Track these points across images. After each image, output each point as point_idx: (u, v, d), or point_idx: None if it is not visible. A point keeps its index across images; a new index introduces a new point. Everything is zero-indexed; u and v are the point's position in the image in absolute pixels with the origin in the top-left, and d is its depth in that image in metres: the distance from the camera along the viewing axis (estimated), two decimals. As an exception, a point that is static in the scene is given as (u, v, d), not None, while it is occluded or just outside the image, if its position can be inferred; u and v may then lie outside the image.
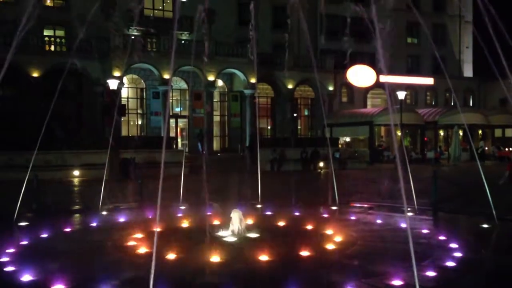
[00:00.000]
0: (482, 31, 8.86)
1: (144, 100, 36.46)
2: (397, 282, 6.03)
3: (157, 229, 4.81)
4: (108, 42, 32.35)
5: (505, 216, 10.27)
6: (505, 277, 6.63)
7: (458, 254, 7.39)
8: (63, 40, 33.32)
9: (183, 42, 35.41)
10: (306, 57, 37.52)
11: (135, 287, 5.98)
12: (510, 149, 41.87)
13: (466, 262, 7.18)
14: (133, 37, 34.33)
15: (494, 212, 9.95)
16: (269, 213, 11.39)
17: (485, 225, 9.87)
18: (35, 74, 31.53)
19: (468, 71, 52.18)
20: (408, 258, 6.81)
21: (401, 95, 32.87)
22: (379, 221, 10.61)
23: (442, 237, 8.65)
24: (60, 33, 35.03)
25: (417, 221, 10.50)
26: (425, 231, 9.34)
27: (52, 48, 32.89)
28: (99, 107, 31.23)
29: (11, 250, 7.69)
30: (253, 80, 36.17)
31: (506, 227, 10.00)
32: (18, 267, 6.72)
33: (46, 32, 34.28)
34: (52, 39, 33.26)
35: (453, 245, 7.91)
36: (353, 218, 11.03)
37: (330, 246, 7.93)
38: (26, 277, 6.24)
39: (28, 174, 10.81)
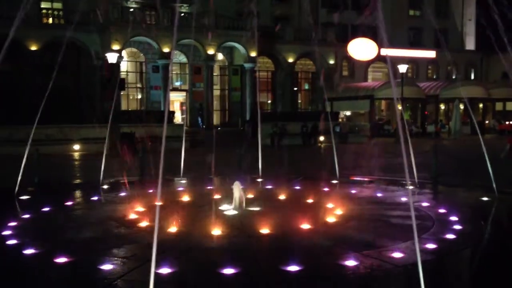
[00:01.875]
0: (485, 3, 8.69)
1: (144, 74, 36.19)
2: (397, 254, 6.07)
3: (159, 202, 4.80)
4: (106, 15, 31.91)
5: (505, 189, 10.30)
6: (503, 249, 6.68)
7: (457, 227, 7.44)
8: (60, 13, 32.87)
9: (182, 15, 34.97)
10: (307, 30, 37.13)
11: (137, 260, 6.03)
12: (511, 122, 41.77)
13: (466, 235, 7.22)
14: (131, 10, 33.88)
15: (494, 185, 9.97)
16: (269, 187, 11.42)
17: (485, 198, 9.91)
18: (33, 48, 31.20)
19: (470, 44, 51.61)
20: (408, 230, 6.87)
21: (402, 68, 32.62)
22: (379, 195, 10.65)
23: (442, 210, 8.69)
24: (57, 5, 34.52)
25: (417, 194, 10.55)
26: (425, 204, 9.37)
27: (50, 21, 32.47)
28: (98, 81, 31.02)
29: (13, 224, 7.73)
30: (253, 54, 35.85)
31: (506, 200, 10.04)
32: (21, 240, 6.77)
33: (43, 5, 33.79)
34: (50, 11, 32.80)
35: (453, 218, 7.95)
36: (353, 191, 11.06)
37: (330, 219, 7.97)
38: (29, 250, 6.29)
39: (28, 148, 10.78)
